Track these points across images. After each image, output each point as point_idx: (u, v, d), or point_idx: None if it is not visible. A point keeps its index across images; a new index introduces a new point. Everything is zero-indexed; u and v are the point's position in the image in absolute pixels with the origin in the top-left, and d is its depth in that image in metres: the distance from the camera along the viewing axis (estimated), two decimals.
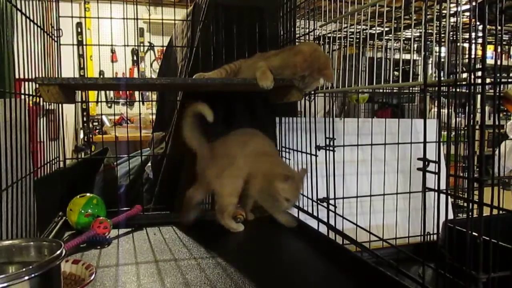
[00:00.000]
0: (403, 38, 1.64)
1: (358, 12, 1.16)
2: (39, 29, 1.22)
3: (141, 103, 3.37)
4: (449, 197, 0.78)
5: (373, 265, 0.95)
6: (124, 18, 1.54)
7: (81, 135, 3.78)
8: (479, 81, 0.71)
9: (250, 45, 1.53)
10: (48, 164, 1.34)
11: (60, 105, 1.40)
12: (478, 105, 0.72)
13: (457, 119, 1.34)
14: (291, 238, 1.24)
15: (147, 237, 1.27)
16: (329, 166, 1.25)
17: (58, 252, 0.64)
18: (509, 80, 0.75)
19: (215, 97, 1.56)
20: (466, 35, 1.47)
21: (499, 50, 0.70)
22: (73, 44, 1.50)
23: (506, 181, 2.02)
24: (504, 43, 1.85)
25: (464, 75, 0.75)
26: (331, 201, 1.27)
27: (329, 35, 1.29)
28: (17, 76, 1.06)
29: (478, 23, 0.77)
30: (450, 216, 0.78)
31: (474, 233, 0.71)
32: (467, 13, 0.98)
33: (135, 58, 4.06)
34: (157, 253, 1.14)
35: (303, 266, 1.07)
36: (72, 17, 1.45)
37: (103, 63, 3.88)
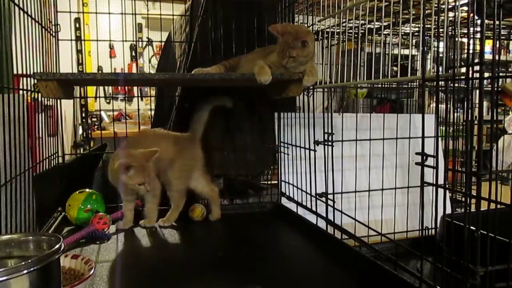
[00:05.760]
0: (402, 33, 1.64)
1: (356, 7, 1.15)
2: (37, 24, 1.21)
3: (139, 98, 3.35)
4: (447, 191, 0.78)
5: (371, 260, 0.96)
6: (122, 13, 1.54)
7: (80, 131, 3.77)
8: (477, 75, 0.71)
9: (248, 40, 1.52)
10: (47, 160, 1.34)
11: (58, 100, 1.39)
12: (476, 100, 0.72)
13: (456, 114, 1.34)
14: (290, 232, 1.24)
15: (146, 233, 1.28)
16: (328, 161, 1.25)
17: (57, 246, 0.64)
18: (507, 74, 0.75)
19: (214, 93, 1.56)
20: (465, 30, 1.47)
21: (497, 44, 0.70)
22: (71, 40, 1.49)
23: (504, 176, 2.03)
24: (502, 37, 1.85)
25: (463, 69, 0.75)
26: (330, 196, 1.27)
27: (328, 30, 1.29)
28: (15, 72, 1.06)
29: (476, 17, 0.76)
30: (448, 210, 0.78)
31: (471, 227, 0.71)
32: (465, 8, 0.98)
33: (133, 53, 4.04)
34: (156, 248, 1.14)
35: (302, 261, 1.08)
36: (70, 12, 1.44)
37: (102, 59, 3.86)
